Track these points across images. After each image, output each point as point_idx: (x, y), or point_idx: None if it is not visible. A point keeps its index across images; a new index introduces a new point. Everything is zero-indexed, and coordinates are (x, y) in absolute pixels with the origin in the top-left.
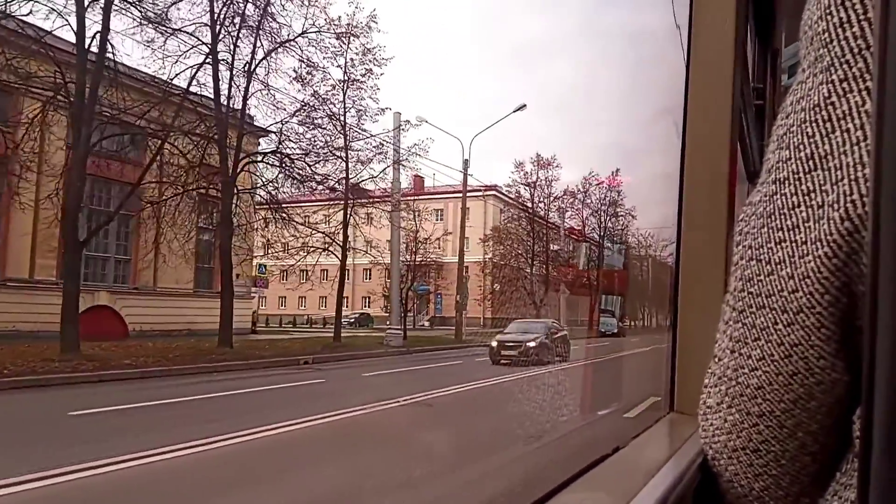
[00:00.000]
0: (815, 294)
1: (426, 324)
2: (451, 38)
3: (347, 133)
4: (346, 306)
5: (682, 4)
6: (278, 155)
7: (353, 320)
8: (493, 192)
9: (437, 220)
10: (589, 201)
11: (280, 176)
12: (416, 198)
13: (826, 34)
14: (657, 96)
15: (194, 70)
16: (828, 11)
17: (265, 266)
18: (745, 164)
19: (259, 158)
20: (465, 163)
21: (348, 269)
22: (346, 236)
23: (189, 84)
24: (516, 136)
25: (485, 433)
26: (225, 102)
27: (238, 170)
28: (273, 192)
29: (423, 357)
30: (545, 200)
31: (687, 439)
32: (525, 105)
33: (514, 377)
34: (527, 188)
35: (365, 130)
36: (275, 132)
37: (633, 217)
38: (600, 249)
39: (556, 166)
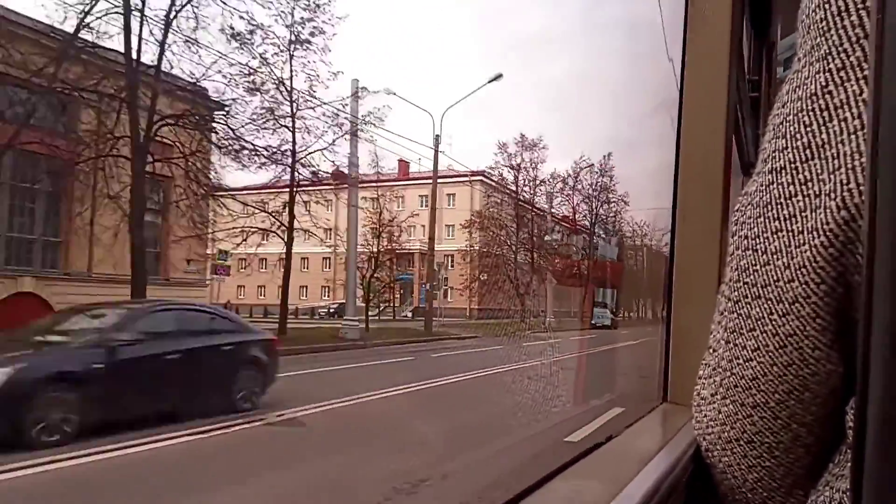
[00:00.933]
0: (811, 284)
1: (409, 314)
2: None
3: (295, 100)
4: (328, 296)
5: None
6: (197, 118)
7: (332, 311)
8: (481, 178)
9: (421, 206)
10: (580, 187)
11: (207, 144)
12: (399, 183)
13: (824, 23)
14: (652, 89)
15: (99, 18)
16: (826, 0)
17: (227, 252)
18: (741, 157)
19: (176, 121)
20: (437, 139)
21: (307, 257)
22: (292, 217)
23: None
24: (512, 128)
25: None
26: (137, 56)
27: (152, 134)
28: (201, 166)
29: (376, 353)
30: (531, 184)
31: (680, 429)
32: (501, 75)
33: (441, 382)
34: (511, 171)
35: (316, 98)
36: (195, 91)
37: (626, 203)
38: (591, 237)
39: (543, 148)
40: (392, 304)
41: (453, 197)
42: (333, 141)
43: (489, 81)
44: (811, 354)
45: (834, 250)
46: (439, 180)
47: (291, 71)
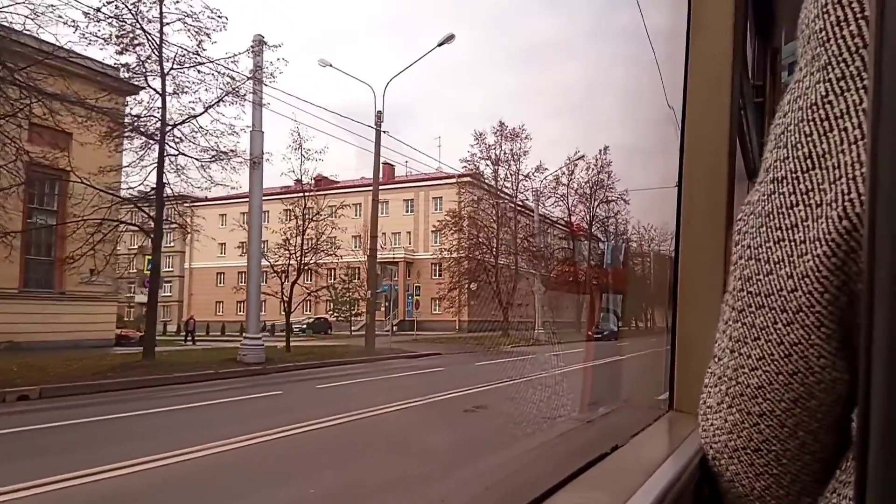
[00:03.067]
0: (815, 293)
1: (392, 328)
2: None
3: (173, 56)
4: (305, 311)
5: (681, 2)
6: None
7: (304, 326)
8: (469, 179)
9: (406, 211)
10: (575, 185)
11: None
12: (384, 186)
13: (823, 33)
14: (656, 95)
15: None
16: (825, 10)
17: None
18: (745, 162)
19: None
20: (379, 115)
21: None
22: (160, 213)
23: None
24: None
25: None
26: None
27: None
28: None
29: (261, 383)
30: (512, 179)
31: (686, 438)
32: (453, 36)
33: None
34: (489, 164)
35: (196, 53)
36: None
37: (626, 202)
38: (588, 240)
39: (526, 138)
40: (372, 318)
41: (440, 201)
42: (216, 103)
43: (439, 45)
44: (816, 363)
45: (837, 259)
46: (425, 184)
47: (162, 16)
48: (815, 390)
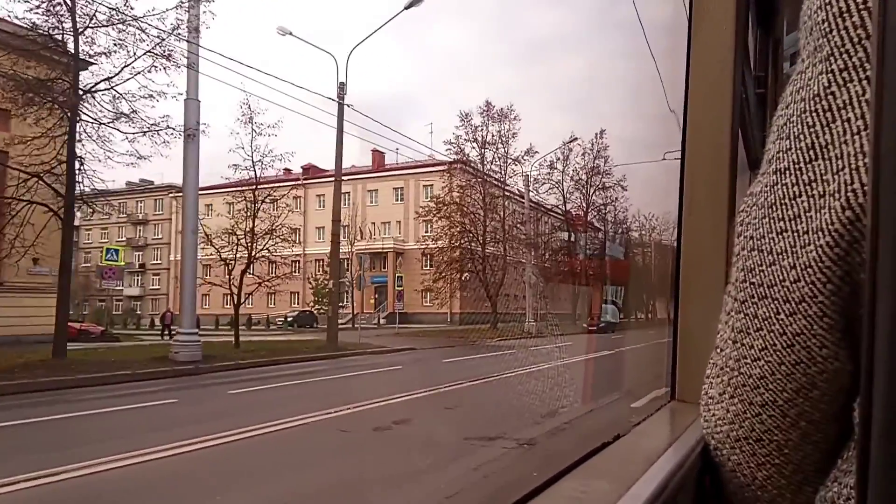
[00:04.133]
0: (817, 283)
1: (381, 321)
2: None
3: (75, 7)
4: (293, 304)
5: None
6: None
7: (289, 319)
8: (460, 166)
9: (396, 200)
10: (570, 171)
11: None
12: (373, 174)
13: (826, 24)
14: (659, 86)
15: None
16: (827, 1)
17: (117, 250)
18: (747, 153)
19: None
20: (342, 86)
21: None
22: (70, 189)
23: None
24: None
25: None
26: None
27: None
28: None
29: (187, 385)
30: (500, 162)
31: (688, 427)
32: None
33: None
34: (475, 147)
35: (116, 9)
36: None
37: (624, 189)
38: (585, 228)
39: (515, 119)
40: (334, 310)
41: (430, 189)
42: (131, 63)
43: (406, 8)
44: (819, 353)
45: (840, 250)
46: (413, 171)
47: None
48: (818, 380)
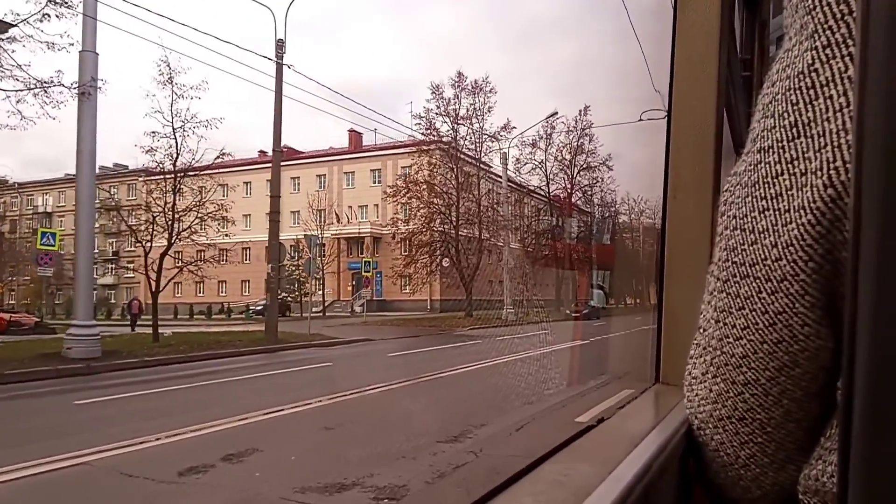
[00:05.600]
0: (799, 262)
1: (357, 309)
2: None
3: None
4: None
5: None
6: None
7: (256, 310)
8: (440, 148)
9: (374, 182)
10: (553, 150)
11: None
12: (351, 156)
13: (810, 1)
14: (644, 68)
15: None
16: None
17: (54, 234)
18: (733, 136)
19: None
20: (280, 44)
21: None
22: None
23: None
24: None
25: None
26: None
27: None
28: None
29: (50, 391)
30: (474, 138)
31: (672, 409)
32: None
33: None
34: (446, 121)
35: None
36: None
37: (610, 168)
38: (569, 210)
39: (491, 91)
40: (273, 297)
41: (409, 171)
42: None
43: None
44: (801, 331)
45: (821, 228)
46: (390, 152)
47: None
48: (800, 358)
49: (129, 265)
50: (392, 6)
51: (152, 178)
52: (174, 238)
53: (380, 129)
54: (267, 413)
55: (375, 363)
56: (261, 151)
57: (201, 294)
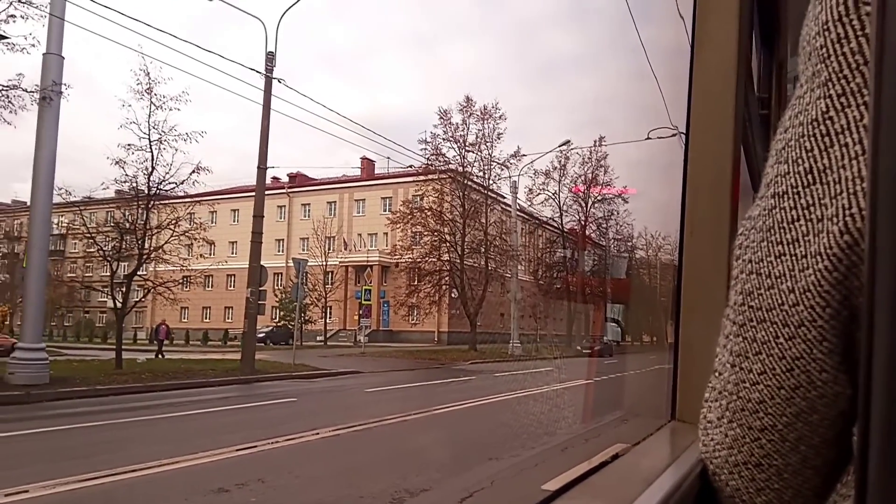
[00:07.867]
0: (817, 307)
1: (361, 339)
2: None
3: None
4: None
5: (686, 14)
6: None
7: (261, 336)
8: (450, 175)
9: (383, 210)
10: (567, 181)
11: None
12: (363, 183)
13: (824, 49)
14: (662, 106)
15: None
16: (826, 27)
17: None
18: (750, 174)
19: None
20: (270, 56)
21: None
22: None
23: None
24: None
25: None
26: None
27: None
28: None
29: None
30: (482, 163)
31: (687, 447)
32: None
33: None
34: (454, 147)
35: None
36: None
37: (625, 201)
38: (583, 242)
39: (501, 118)
40: (252, 325)
41: (420, 199)
42: None
43: None
44: (819, 377)
45: (838, 274)
46: (402, 180)
47: None
48: (818, 405)
49: (103, 289)
50: (415, 40)
51: (125, 196)
52: (143, 258)
53: (394, 157)
54: (143, 469)
55: (344, 401)
56: (274, 178)
57: (207, 320)
